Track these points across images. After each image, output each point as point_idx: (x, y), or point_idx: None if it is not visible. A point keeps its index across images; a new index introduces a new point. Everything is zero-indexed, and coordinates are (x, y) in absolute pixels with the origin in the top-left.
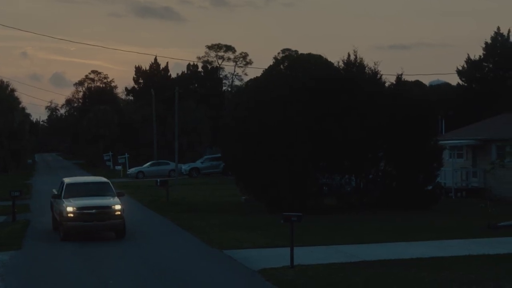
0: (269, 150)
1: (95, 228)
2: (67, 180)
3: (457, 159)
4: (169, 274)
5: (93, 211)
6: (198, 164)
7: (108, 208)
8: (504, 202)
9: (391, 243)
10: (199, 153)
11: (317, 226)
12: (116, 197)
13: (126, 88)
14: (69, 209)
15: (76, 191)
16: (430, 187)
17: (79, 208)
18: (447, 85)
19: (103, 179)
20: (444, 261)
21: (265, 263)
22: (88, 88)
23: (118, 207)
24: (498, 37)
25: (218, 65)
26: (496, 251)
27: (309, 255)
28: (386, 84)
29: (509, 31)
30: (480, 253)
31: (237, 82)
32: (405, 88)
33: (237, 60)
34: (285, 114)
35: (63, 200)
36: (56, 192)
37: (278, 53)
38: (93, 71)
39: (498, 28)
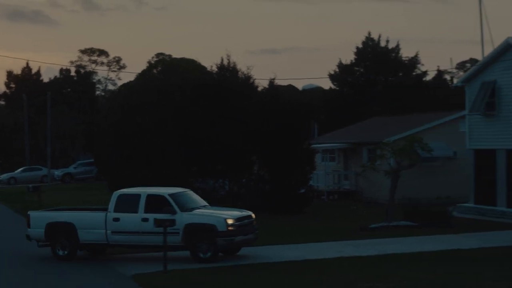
0: (141, 154)
1: (250, 242)
2: (165, 190)
3: (329, 162)
4: (35, 280)
5: (245, 221)
6: (71, 169)
7: (252, 219)
8: (374, 204)
9: (264, 247)
10: (72, 158)
11: None
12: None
13: None
14: (230, 221)
15: (184, 202)
16: (303, 190)
17: (237, 220)
18: (319, 89)
19: (185, 188)
20: (317, 263)
21: (139, 269)
22: None
23: (254, 216)
24: (368, 42)
25: (91, 70)
26: (368, 253)
27: (183, 259)
28: (259, 89)
29: (379, 36)
30: (352, 255)
31: (110, 87)
32: (277, 93)
33: (110, 64)
34: (158, 118)
35: (185, 213)
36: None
37: (152, 57)
38: None
39: (369, 33)
